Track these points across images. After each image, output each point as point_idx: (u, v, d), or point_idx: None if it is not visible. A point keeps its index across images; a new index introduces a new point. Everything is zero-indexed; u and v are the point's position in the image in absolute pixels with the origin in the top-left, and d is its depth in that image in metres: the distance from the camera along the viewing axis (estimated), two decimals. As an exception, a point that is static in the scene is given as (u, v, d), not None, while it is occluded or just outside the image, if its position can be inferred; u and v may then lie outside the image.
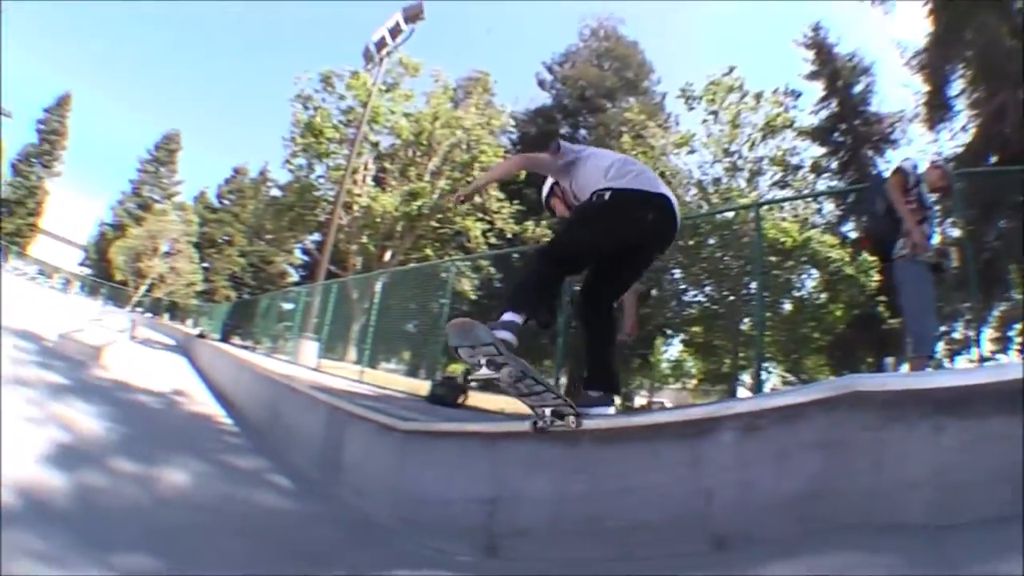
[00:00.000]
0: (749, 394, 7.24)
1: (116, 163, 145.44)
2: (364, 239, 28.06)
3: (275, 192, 32.88)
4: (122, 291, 53.08)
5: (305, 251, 43.88)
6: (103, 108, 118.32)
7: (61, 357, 8.93)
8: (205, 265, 60.03)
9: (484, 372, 2.51)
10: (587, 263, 3.09)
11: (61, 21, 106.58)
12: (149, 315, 45.98)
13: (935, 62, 20.31)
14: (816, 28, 26.52)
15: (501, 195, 27.35)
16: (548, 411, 2.85)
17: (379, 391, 8.36)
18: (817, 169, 23.40)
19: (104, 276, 56.98)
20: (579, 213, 3.19)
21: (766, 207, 17.58)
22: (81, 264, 64.62)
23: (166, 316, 50.77)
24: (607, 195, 2.89)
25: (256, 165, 60.33)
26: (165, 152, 66.35)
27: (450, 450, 3.64)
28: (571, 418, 2.80)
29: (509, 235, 27.59)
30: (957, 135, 20.10)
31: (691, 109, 22.96)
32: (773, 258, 15.82)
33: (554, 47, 59.40)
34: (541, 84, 40.45)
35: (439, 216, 27.74)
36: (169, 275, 54.34)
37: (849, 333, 18.11)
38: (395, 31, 24.00)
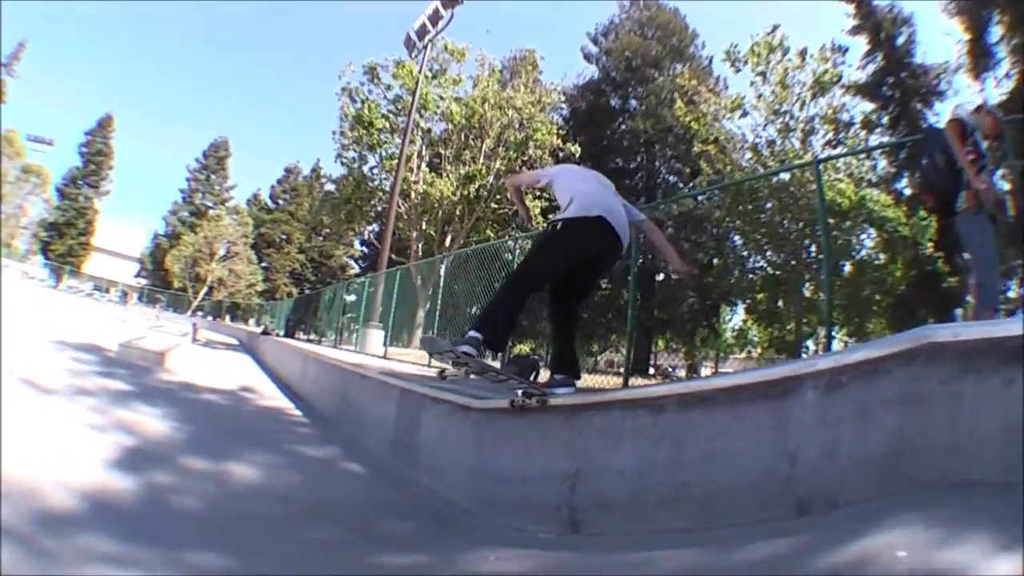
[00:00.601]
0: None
1: (165, 176, 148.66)
2: (424, 225, 28.23)
3: (329, 187, 33.19)
4: (182, 297, 55.00)
5: (365, 242, 44.27)
6: (146, 124, 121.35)
7: (124, 365, 8.91)
8: (264, 265, 61.23)
9: (451, 369, 3.58)
10: (549, 281, 3.70)
11: (96, 42, 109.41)
12: (210, 318, 47.44)
13: (973, 8, 20.06)
14: None
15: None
16: (520, 392, 3.50)
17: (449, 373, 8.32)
18: (868, 125, 22.89)
19: (162, 285, 58.38)
20: (538, 242, 4.03)
21: (822, 166, 16.99)
22: (137, 276, 66.58)
23: (227, 318, 52.33)
24: (559, 225, 3.54)
25: (308, 163, 61.08)
26: (215, 159, 67.56)
27: (528, 427, 3.68)
28: (536, 398, 3.43)
29: None
30: (1002, 83, 19.71)
31: (737, 72, 22.63)
32: (831, 220, 15.45)
33: (597, 18, 58.27)
34: (587, 57, 40.11)
35: (497, 197, 27.67)
36: (228, 278, 56.23)
37: (908, 293, 17.90)
38: (435, 18, 23.67)
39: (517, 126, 27.90)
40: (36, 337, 9.35)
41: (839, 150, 20.83)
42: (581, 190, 3.78)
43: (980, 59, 20.47)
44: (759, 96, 21.67)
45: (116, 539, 2.57)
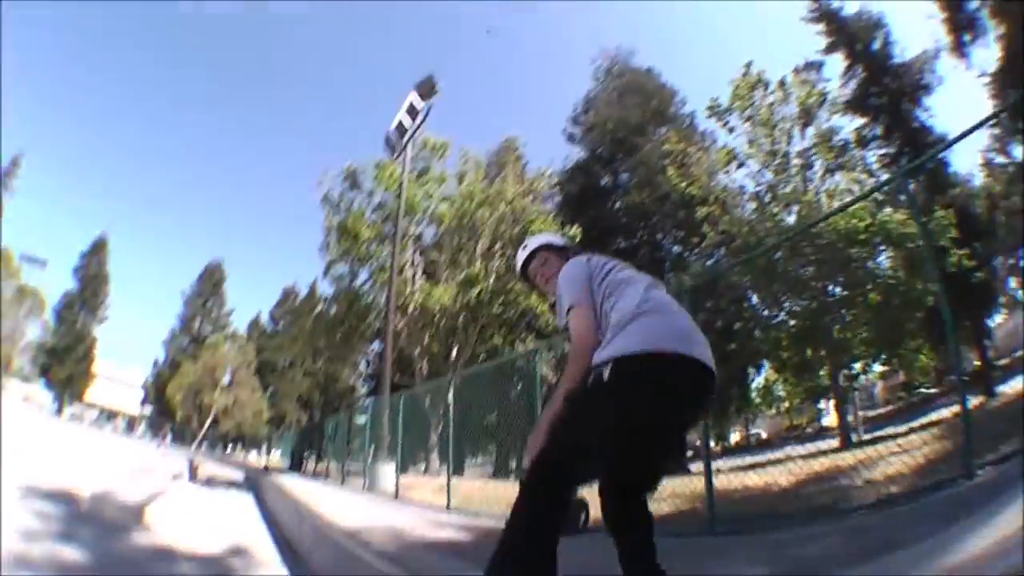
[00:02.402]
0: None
1: (164, 297, 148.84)
2: (426, 340, 25.85)
3: (320, 308, 31.01)
4: (187, 428, 53.41)
5: (369, 362, 42.52)
6: (142, 246, 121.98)
7: (93, 522, 7.15)
8: (271, 391, 60.23)
9: None
10: (596, 470, 2.08)
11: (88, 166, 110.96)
12: (216, 449, 47.01)
13: None
14: None
15: None
16: None
17: (471, 523, 6.75)
18: (862, 141, 22.01)
19: (167, 413, 56.91)
20: (572, 407, 1.99)
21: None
22: (143, 403, 65.26)
23: (234, 447, 52.42)
24: (606, 372, 1.93)
25: (307, 280, 59.95)
26: (210, 284, 67.12)
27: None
28: None
29: None
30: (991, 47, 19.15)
31: (725, 123, 21.52)
32: (853, 250, 15.54)
33: (575, 97, 58.79)
34: (571, 138, 39.38)
35: (501, 300, 25.40)
36: (233, 407, 54.62)
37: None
38: (412, 111, 21.94)
39: (511, 221, 26.01)
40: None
41: (839, 175, 19.71)
42: (629, 307, 2.07)
43: (962, 31, 20.02)
44: (750, 142, 20.54)
45: None
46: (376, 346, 33.78)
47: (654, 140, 31.46)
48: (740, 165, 21.12)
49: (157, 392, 61.21)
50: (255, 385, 57.19)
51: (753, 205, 20.69)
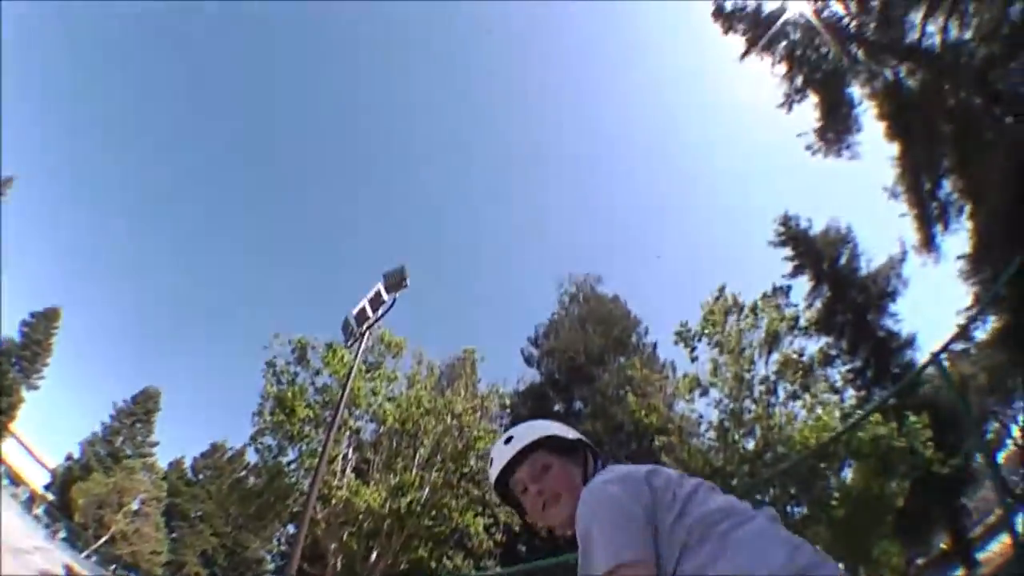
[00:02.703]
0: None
1: (96, 400, 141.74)
2: (345, 537, 23.38)
3: (243, 474, 28.66)
4: (81, 534, 49.85)
5: (281, 541, 39.92)
6: (93, 337, 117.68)
7: None
8: (174, 536, 57.29)
9: None
10: None
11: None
12: (103, 568, 44.79)
13: (912, 176, 20.37)
14: (786, 221, 26.75)
15: None
16: None
17: None
18: (827, 359, 22.58)
19: (66, 509, 52.92)
20: None
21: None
22: (47, 487, 60.56)
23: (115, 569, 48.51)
24: None
25: (239, 440, 58.21)
26: (143, 409, 64.86)
27: None
28: None
29: (516, 528, 23.34)
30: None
31: (692, 350, 21.65)
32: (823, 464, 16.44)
33: (537, 319, 60.62)
34: (528, 360, 39.43)
35: (432, 513, 23.54)
36: (133, 535, 51.68)
37: (911, 502, 17.45)
38: (376, 301, 20.85)
39: (456, 434, 24.67)
40: None
41: (803, 398, 19.93)
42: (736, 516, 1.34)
43: (933, 224, 20.62)
44: (715, 369, 20.55)
45: None
46: (291, 529, 31.01)
47: (612, 368, 31.69)
48: (704, 392, 20.89)
49: (62, 485, 57.74)
50: (160, 524, 54.30)
51: (713, 433, 20.48)
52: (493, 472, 1.84)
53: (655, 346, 36.37)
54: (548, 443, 1.75)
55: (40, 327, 59.60)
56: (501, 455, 1.79)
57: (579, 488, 1.54)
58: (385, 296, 21.15)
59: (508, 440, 1.81)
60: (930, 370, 20.36)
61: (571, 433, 1.80)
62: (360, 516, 23.11)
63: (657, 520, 1.33)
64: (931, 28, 18.62)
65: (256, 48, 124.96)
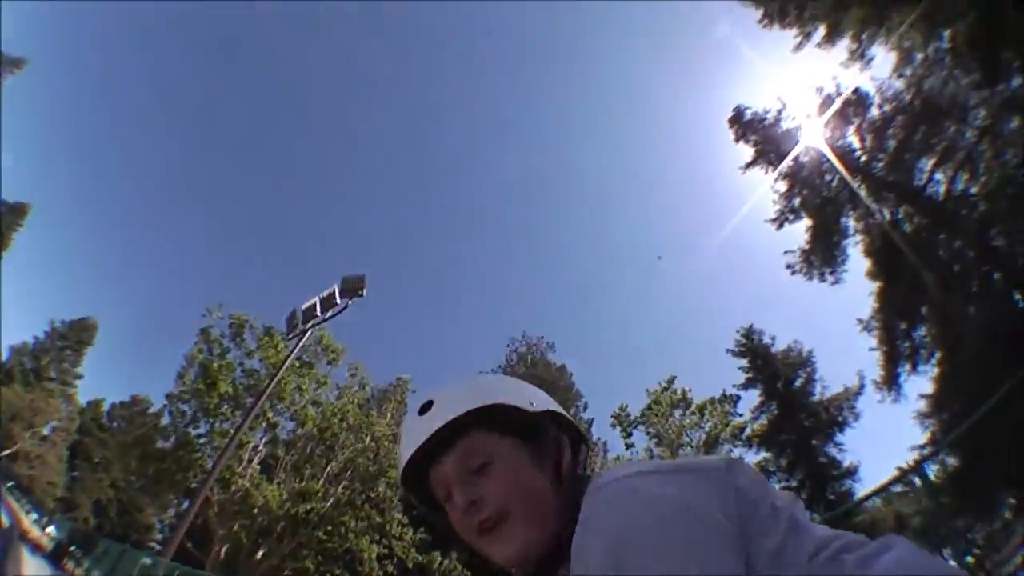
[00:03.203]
0: None
1: (45, 303, 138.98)
2: (235, 527, 22.57)
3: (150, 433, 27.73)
4: None
5: (175, 512, 39.07)
6: (55, 243, 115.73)
7: None
8: (74, 475, 55.84)
9: None
10: None
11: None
12: None
13: (888, 321, 20.30)
14: (749, 334, 26.49)
15: (405, 519, 23.55)
16: None
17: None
18: (763, 472, 21.63)
19: None
20: None
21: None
22: None
23: (14, 494, 44.88)
24: None
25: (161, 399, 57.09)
26: (76, 336, 62.70)
27: None
28: None
29: (410, 565, 23.15)
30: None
31: (628, 435, 21.85)
32: None
33: (479, 367, 61.00)
34: None
35: (328, 528, 22.77)
36: (35, 460, 50.40)
37: None
38: (328, 301, 20.51)
39: (372, 456, 23.94)
40: None
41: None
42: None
43: (900, 363, 20.45)
44: (648, 458, 19.93)
45: None
46: (186, 504, 30.20)
47: None
48: None
49: None
50: (64, 458, 53.05)
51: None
52: (402, 459, 1.03)
53: (591, 423, 36.11)
54: (492, 418, 0.98)
55: (4, 219, 57.74)
56: (413, 434, 1.00)
57: (542, 500, 0.95)
58: (338, 299, 20.81)
59: (425, 409, 1.01)
60: (870, 504, 20.29)
61: (537, 400, 1.03)
62: (256, 511, 22.37)
63: (750, 545, 0.74)
64: (939, 176, 18.75)
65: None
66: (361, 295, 20.79)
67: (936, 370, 19.49)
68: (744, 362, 25.67)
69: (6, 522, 18.49)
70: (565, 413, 1.08)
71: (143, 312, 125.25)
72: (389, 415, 25.62)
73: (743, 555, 0.70)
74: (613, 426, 22.06)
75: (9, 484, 46.44)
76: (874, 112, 20.28)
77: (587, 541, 0.75)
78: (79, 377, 62.37)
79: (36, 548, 21.04)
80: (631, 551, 0.70)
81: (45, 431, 51.79)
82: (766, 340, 26.01)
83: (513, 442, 0.98)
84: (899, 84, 19.36)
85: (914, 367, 20.38)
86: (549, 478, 0.97)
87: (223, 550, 22.96)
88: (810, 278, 22.29)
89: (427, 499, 1.05)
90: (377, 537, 23.04)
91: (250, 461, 23.32)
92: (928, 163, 19.09)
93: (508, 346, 42.53)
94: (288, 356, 20.17)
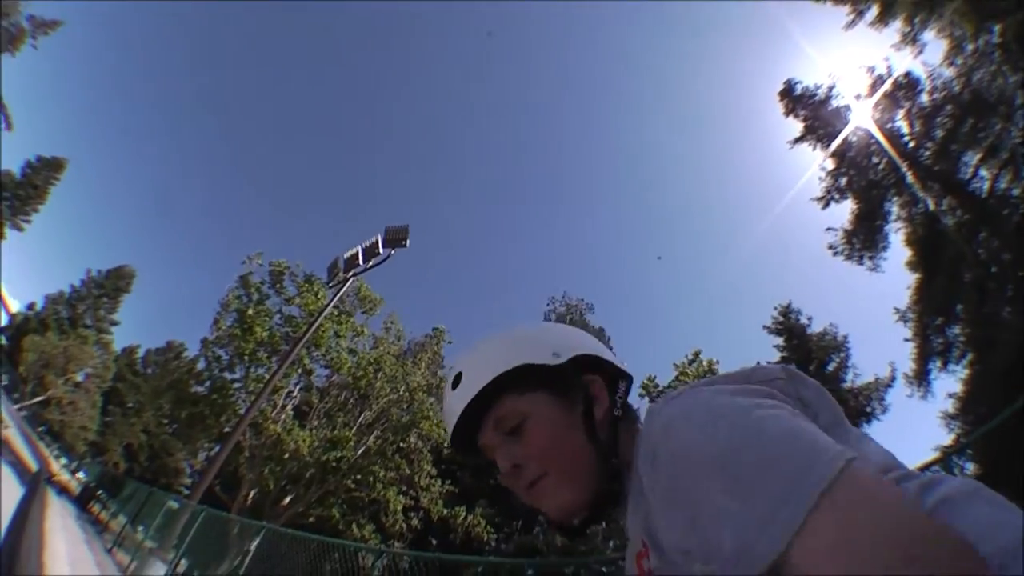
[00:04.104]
0: None
1: (81, 254, 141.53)
2: (265, 472, 22.80)
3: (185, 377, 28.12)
4: (19, 386, 50.06)
5: (207, 457, 39.59)
6: (94, 196, 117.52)
7: None
8: (107, 420, 56.90)
9: None
10: None
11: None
12: (29, 424, 43.19)
13: (923, 314, 20.29)
14: (787, 312, 26.56)
15: (434, 471, 23.60)
16: None
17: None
18: None
19: (11, 357, 53.29)
20: None
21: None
22: (1, 331, 60.95)
23: (46, 439, 46.82)
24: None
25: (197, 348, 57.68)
26: (113, 284, 64.91)
27: None
28: None
29: (435, 517, 23.20)
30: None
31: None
32: None
33: (517, 322, 61.36)
34: None
35: (357, 477, 22.89)
36: (67, 405, 51.24)
37: None
38: (370, 251, 20.65)
39: (405, 407, 24.00)
40: None
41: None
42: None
43: (931, 358, 20.44)
44: None
45: None
46: (217, 448, 30.58)
47: None
48: None
49: (16, 332, 57.88)
50: (97, 403, 53.83)
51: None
52: (448, 432, 1.11)
53: None
54: (517, 380, 1.00)
55: (41, 173, 58.70)
56: (451, 409, 1.07)
57: (577, 456, 0.96)
58: (381, 249, 20.94)
59: (456, 383, 1.06)
60: None
61: (562, 348, 1.04)
62: (286, 457, 22.51)
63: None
64: (984, 172, 18.40)
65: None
66: (404, 245, 20.87)
67: (966, 371, 19.32)
68: (779, 340, 25.54)
69: (35, 467, 18.98)
70: (598, 352, 1.07)
71: (182, 261, 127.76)
72: (424, 366, 25.72)
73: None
74: (642, 395, 21.86)
75: (40, 429, 47.86)
76: (924, 98, 19.93)
77: (666, 463, 0.72)
78: (115, 324, 64.42)
79: (64, 492, 21.31)
80: (723, 465, 0.65)
81: (79, 378, 52.68)
82: (803, 320, 25.92)
83: (542, 397, 1.00)
84: (949, 73, 19.02)
85: (944, 365, 20.16)
86: (583, 429, 0.97)
87: (251, 495, 23.22)
88: (850, 259, 22.07)
89: (481, 460, 1.09)
90: (404, 488, 23.19)
91: (283, 407, 23.55)
92: (974, 157, 18.71)
93: (548, 305, 42.84)
94: (328, 303, 20.38)
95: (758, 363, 0.99)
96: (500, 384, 0.99)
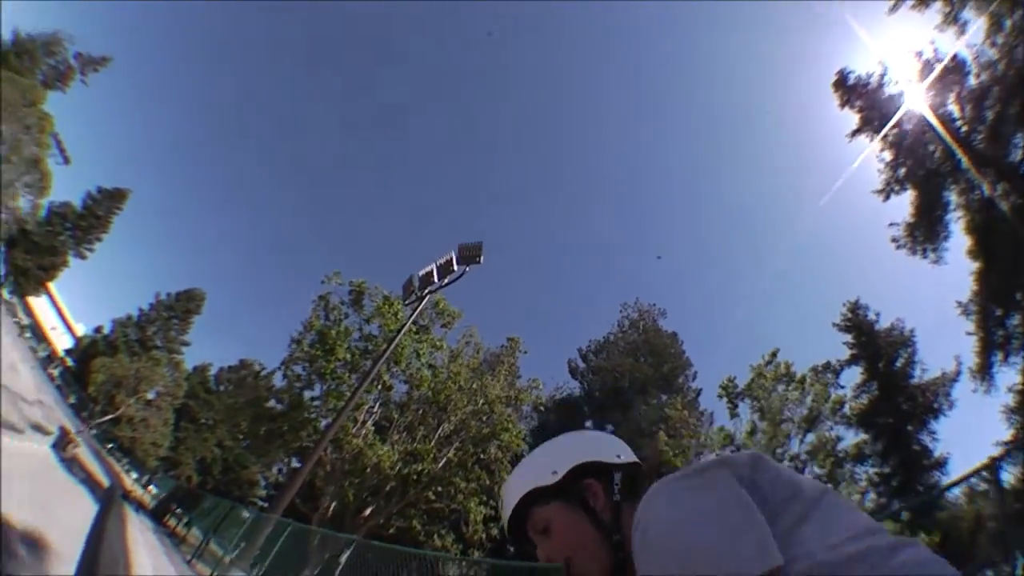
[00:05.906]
0: None
1: (140, 283, 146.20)
2: (345, 485, 23.50)
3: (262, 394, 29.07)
4: (89, 405, 50.50)
5: (282, 471, 40.40)
6: (150, 225, 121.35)
7: None
8: (179, 436, 57.64)
9: None
10: None
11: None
12: (101, 444, 44.30)
13: (985, 305, 20.16)
14: (855, 308, 26.45)
15: None
16: None
17: None
18: (860, 456, 22.46)
19: (77, 380, 54.41)
20: None
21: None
22: (67, 353, 62.94)
23: (117, 456, 48.57)
24: None
25: (270, 365, 59.13)
26: (183, 307, 66.37)
27: None
28: None
29: None
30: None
31: (734, 407, 21.72)
32: None
33: (592, 333, 59.96)
34: (572, 372, 39.45)
35: (437, 489, 23.48)
36: (139, 423, 52.05)
37: None
38: (445, 268, 21.23)
39: (484, 419, 24.43)
40: None
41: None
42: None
43: (993, 351, 20.29)
44: (751, 432, 20.71)
45: None
46: (295, 462, 31.30)
47: (652, 402, 30.90)
48: (736, 450, 20.26)
49: (84, 355, 59.27)
50: (169, 420, 54.74)
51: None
52: (509, 508, 1.41)
53: (699, 393, 35.82)
54: (537, 498, 1.34)
55: (103, 204, 60.88)
56: (503, 520, 1.45)
57: (588, 545, 1.24)
58: (455, 266, 21.51)
59: (500, 500, 1.46)
60: (951, 497, 19.62)
61: (560, 465, 1.35)
62: (367, 470, 23.21)
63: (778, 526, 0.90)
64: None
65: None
66: (478, 262, 21.46)
67: (1025, 362, 19.00)
68: (848, 337, 25.33)
69: (106, 482, 19.65)
70: (594, 458, 1.35)
71: (251, 284, 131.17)
72: (502, 377, 26.10)
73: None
74: (720, 397, 21.96)
75: (109, 446, 48.99)
76: (972, 81, 19.72)
77: (637, 543, 0.94)
78: (186, 344, 65.78)
79: (139, 506, 21.88)
80: (671, 542, 0.88)
81: (150, 396, 53.48)
82: (871, 316, 25.73)
83: (555, 505, 1.31)
84: (992, 53, 18.79)
85: (1006, 357, 19.90)
86: (591, 522, 1.26)
87: (331, 507, 23.94)
88: (913, 253, 21.85)
89: (521, 534, 1.41)
90: (484, 498, 23.59)
91: (364, 422, 24.19)
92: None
93: (620, 312, 42.81)
94: (408, 319, 20.96)
95: (729, 452, 1.38)
96: (526, 502, 1.34)
